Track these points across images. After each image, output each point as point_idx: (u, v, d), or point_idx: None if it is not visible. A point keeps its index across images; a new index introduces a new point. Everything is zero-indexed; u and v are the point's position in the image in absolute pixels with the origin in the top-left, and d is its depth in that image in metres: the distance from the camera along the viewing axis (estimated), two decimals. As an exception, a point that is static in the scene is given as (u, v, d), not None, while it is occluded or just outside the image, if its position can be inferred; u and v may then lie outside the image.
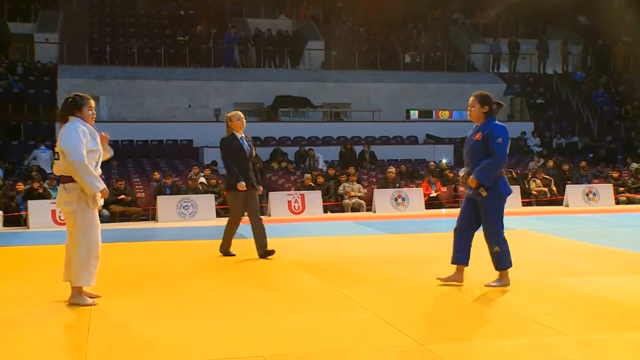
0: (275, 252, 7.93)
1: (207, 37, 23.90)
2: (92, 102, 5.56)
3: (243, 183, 7.77)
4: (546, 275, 6.65)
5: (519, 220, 12.60)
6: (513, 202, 15.77)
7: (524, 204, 16.04)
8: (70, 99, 5.52)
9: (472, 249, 6.12)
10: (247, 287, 6.25)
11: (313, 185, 15.49)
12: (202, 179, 15.38)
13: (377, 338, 4.48)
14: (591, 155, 20.97)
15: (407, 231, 11.32)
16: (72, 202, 5.34)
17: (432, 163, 18.36)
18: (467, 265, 6.07)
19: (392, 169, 16.37)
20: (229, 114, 8.08)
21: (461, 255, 6.03)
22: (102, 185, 5.36)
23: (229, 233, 8.11)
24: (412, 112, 24.73)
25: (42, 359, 4.14)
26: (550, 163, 18.61)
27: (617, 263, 7.45)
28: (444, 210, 15.60)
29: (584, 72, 26.16)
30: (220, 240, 8.21)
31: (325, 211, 15.00)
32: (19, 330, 4.78)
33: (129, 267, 7.60)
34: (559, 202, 16.29)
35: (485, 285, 5.89)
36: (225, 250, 8.13)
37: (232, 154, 7.89)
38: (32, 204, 13.04)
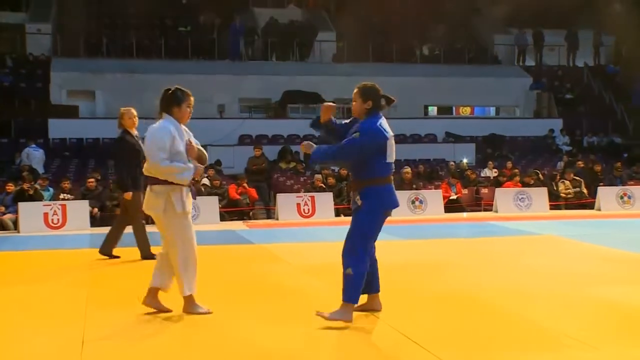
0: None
1: (211, 28, 23.94)
2: (192, 99, 5.55)
3: (130, 193, 8.22)
4: (577, 285, 6.59)
5: (546, 225, 12.53)
6: (540, 205, 15.71)
7: (552, 207, 15.94)
8: (170, 92, 5.51)
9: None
10: (251, 295, 6.23)
11: (324, 186, 15.45)
12: (205, 180, 15.38)
13: (393, 351, 4.45)
14: (626, 155, 20.81)
15: (425, 236, 11.27)
16: (159, 207, 5.38)
17: (452, 163, 18.30)
18: (378, 292, 5.38)
19: (408, 169, 16.30)
20: (122, 110, 8.34)
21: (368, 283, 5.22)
22: (192, 168, 5.34)
23: (117, 235, 8.46)
24: (430, 108, 24.66)
25: (32, 373, 4.13)
26: (580, 163, 18.49)
27: (655, 272, 7.37)
28: (465, 214, 15.54)
29: (619, 65, 25.98)
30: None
31: (337, 214, 14.95)
32: (7, 341, 4.78)
33: (126, 274, 7.60)
34: (590, 206, 16.18)
35: (316, 313, 5.06)
36: (109, 253, 8.43)
37: (127, 152, 8.17)
38: (22, 206, 13.06)
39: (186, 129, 5.57)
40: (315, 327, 4.97)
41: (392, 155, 5.14)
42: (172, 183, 5.33)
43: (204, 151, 5.63)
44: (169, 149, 5.31)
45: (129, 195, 8.23)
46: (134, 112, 8.28)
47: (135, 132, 8.26)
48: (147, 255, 8.27)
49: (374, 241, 5.26)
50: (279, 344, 4.61)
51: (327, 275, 7.20)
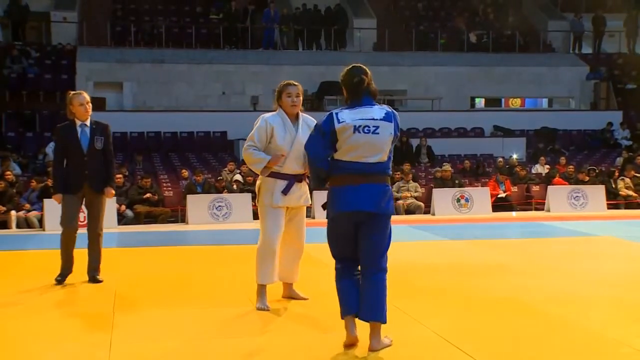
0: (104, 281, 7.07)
1: (243, 15, 24.05)
2: (293, 89, 5.74)
3: (59, 196, 7.02)
4: (638, 290, 6.49)
5: (604, 226, 12.36)
6: (596, 204, 15.49)
7: (610, 206, 15.72)
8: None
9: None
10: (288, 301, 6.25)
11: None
12: (238, 176, 15.50)
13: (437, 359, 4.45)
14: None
15: (471, 237, 11.20)
16: (256, 197, 5.86)
17: (501, 159, 18.14)
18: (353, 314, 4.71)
19: (448, 166, 16.22)
20: (70, 94, 7.19)
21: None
22: (265, 159, 5.58)
23: (62, 251, 7.09)
24: (477, 100, 24.46)
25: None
26: (641, 159, 18.20)
27: None
28: (514, 213, 15.41)
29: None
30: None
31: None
32: (32, 344, 4.88)
33: (155, 274, 7.70)
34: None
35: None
36: (62, 277, 7.06)
37: (63, 147, 7.11)
38: (48, 203, 13.26)
39: (308, 118, 5.83)
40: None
41: (350, 151, 4.51)
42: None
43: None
44: (259, 139, 5.66)
45: (56, 198, 7.08)
46: (87, 97, 7.12)
47: (83, 122, 7.06)
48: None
49: (348, 254, 4.70)
50: (315, 349, 4.63)
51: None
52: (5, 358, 4.61)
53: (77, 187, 6.99)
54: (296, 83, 5.76)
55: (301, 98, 5.79)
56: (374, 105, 4.65)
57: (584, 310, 5.70)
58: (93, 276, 7.09)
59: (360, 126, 4.50)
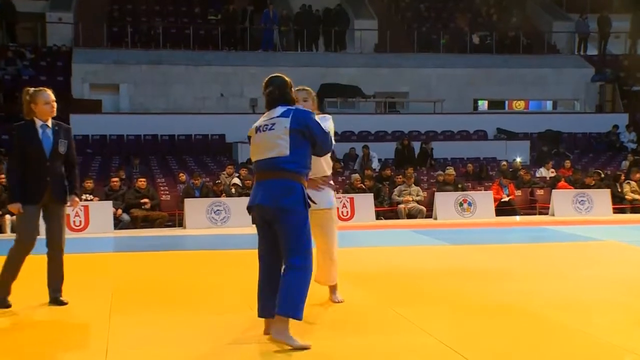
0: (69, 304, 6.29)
1: (242, 16, 24.09)
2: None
3: (18, 205, 6.14)
4: (642, 295, 6.51)
5: (609, 230, 12.36)
6: (602, 208, 15.48)
7: (616, 210, 15.72)
8: None
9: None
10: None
11: (364, 187, 15.45)
12: (237, 180, 15.50)
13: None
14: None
15: (474, 241, 11.20)
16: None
17: (504, 162, 18.16)
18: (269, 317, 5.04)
19: (451, 170, 16.25)
20: (32, 90, 6.28)
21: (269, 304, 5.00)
22: None
23: (10, 267, 6.34)
24: (480, 102, 24.50)
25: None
26: (648, 163, 18.21)
27: None
28: (518, 218, 15.40)
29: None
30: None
31: (377, 217, 14.95)
32: (28, 351, 4.88)
33: (152, 279, 7.70)
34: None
35: None
36: (3, 298, 6.26)
37: (21, 149, 6.22)
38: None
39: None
40: (353, 338, 5.00)
41: (255, 150, 4.98)
42: None
43: None
44: None
45: (14, 207, 6.19)
46: (52, 94, 6.28)
47: (44, 122, 6.22)
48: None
49: (263, 252, 5.06)
50: (314, 356, 4.64)
51: (367, 283, 7.21)
52: (0, 364, 4.62)
53: (38, 196, 6.20)
54: None
55: None
56: (279, 106, 4.98)
57: (587, 315, 5.70)
58: (56, 298, 6.33)
59: (260, 126, 4.99)
